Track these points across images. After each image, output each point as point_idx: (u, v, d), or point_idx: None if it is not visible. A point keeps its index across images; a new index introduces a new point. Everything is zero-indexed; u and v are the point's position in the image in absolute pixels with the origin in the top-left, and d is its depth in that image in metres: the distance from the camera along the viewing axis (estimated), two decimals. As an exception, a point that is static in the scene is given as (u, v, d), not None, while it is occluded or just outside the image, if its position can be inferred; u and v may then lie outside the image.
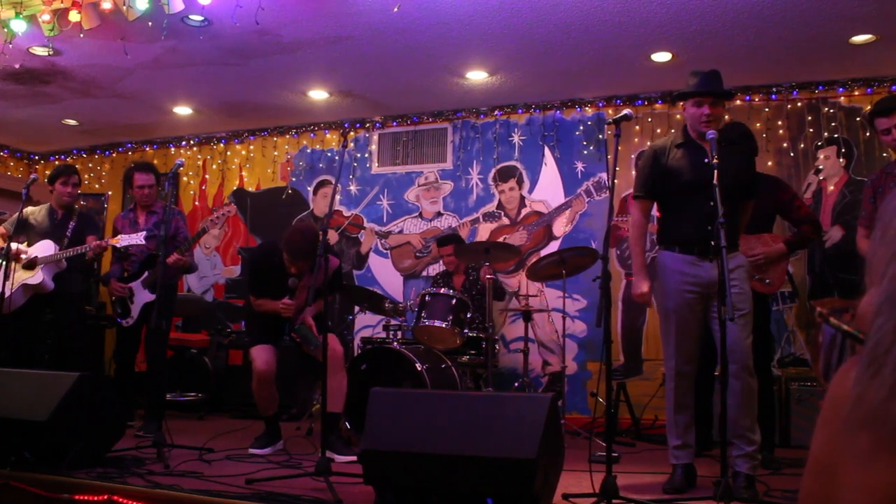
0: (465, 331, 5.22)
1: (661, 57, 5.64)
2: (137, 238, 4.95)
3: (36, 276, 5.30)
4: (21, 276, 5.30)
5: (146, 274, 5.35)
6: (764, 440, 3.95)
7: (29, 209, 5.61)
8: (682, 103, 3.82)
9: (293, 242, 4.50)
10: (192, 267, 5.67)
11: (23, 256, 5.30)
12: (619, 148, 3.67)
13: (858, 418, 0.49)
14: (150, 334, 5.24)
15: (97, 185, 8.52)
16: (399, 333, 5.48)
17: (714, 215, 3.35)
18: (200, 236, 5.47)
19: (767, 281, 4.53)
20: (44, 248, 5.38)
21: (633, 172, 6.51)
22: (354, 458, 4.32)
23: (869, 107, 5.85)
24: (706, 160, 3.64)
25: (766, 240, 4.52)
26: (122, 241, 4.99)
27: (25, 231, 5.51)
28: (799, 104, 6.12)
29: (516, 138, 6.92)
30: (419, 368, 4.74)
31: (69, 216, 5.57)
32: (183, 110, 7.23)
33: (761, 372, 4.08)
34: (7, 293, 4.84)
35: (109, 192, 8.43)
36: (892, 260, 0.53)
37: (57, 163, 8.69)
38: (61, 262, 5.37)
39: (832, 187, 5.94)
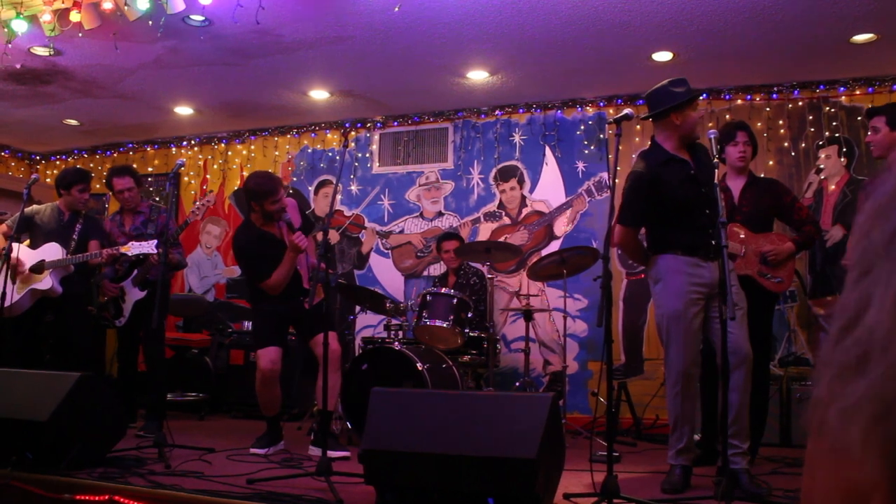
0: (466, 330, 5.22)
1: (663, 56, 5.64)
2: (149, 247, 4.92)
3: (45, 282, 5.27)
4: (28, 282, 5.28)
5: (135, 272, 5.36)
6: (756, 438, 4.02)
7: (34, 207, 5.59)
8: (675, 114, 3.78)
9: (265, 179, 4.76)
10: (181, 263, 5.67)
11: (21, 270, 5.26)
12: (620, 147, 3.67)
13: (812, 421, 0.50)
14: (148, 334, 5.24)
15: (97, 186, 8.50)
16: (400, 333, 5.47)
17: (712, 219, 3.44)
18: (183, 230, 5.50)
19: (778, 279, 4.54)
20: (51, 251, 5.33)
21: (634, 172, 6.51)
22: (346, 454, 4.35)
23: (870, 106, 5.87)
24: (692, 171, 3.74)
25: (772, 239, 4.53)
26: (133, 248, 4.97)
27: (30, 230, 5.49)
28: (800, 103, 6.12)
29: (517, 138, 6.92)
30: (420, 368, 4.74)
31: (76, 218, 5.55)
32: (184, 110, 7.23)
33: (760, 370, 4.10)
34: (8, 294, 4.84)
35: (110, 193, 8.41)
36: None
37: (58, 163, 8.71)
38: (69, 266, 5.35)
39: (833, 186, 5.94)
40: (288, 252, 4.65)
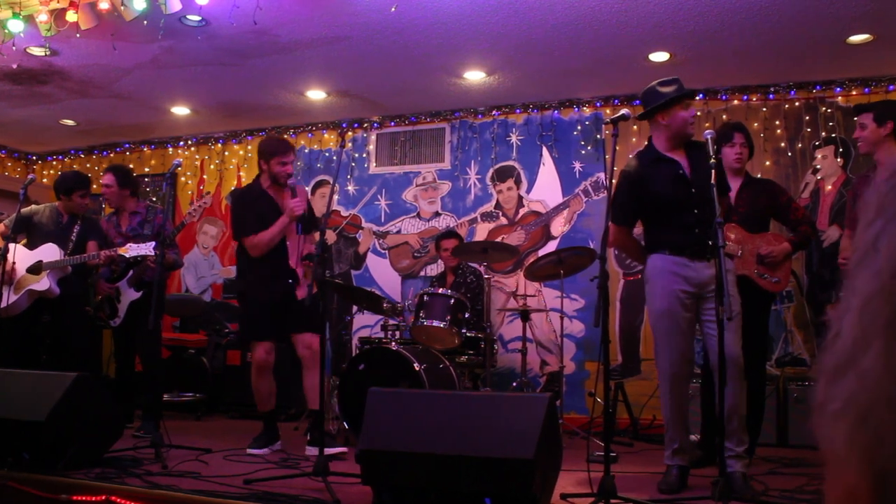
0: (464, 331, 5.22)
1: (659, 57, 5.64)
2: (146, 248, 4.91)
3: (42, 283, 5.25)
4: (26, 282, 5.27)
5: (131, 272, 5.35)
6: (752, 438, 4.02)
7: (33, 207, 5.58)
8: (661, 114, 3.79)
9: (276, 140, 5.05)
10: (177, 263, 5.65)
11: (16, 275, 5.24)
12: (617, 148, 3.67)
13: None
14: (145, 335, 5.23)
15: (94, 186, 8.49)
16: (397, 333, 5.48)
17: (701, 219, 3.44)
18: (180, 230, 5.50)
19: (775, 279, 4.56)
20: (49, 252, 5.30)
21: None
22: (343, 449, 4.40)
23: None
24: (680, 171, 3.73)
25: (769, 239, 4.54)
26: (131, 251, 4.96)
27: (28, 230, 5.47)
28: (796, 104, 6.13)
29: (514, 138, 6.92)
30: (417, 368, 4.74)
31: (75, 220, 5.52)
32: (181, 110, 7.23)
33: (756, 370, 4.10)
34: (4, 294, 4.82)
35: (107, 193, 8.41)
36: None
37: (55, 163, 8.70)
38: (66, 267, 5.34)
39: (830, 187, 5.95)
40: (283, 216, 4.65)
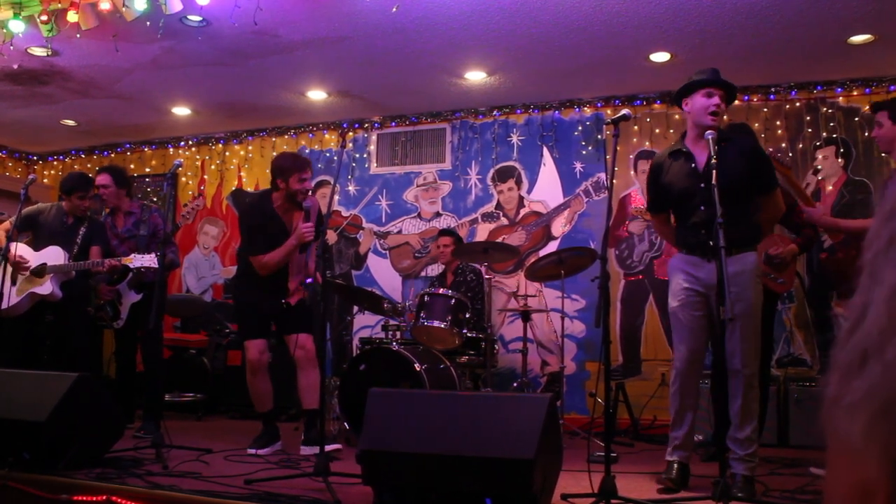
0: (464, 331, 5.22)
1: (660, 57, 5.65)
2: (150, 260, 4.90)
3: (45, 287, 5.22)
4: (29, 284, 5.25)
5: (130, 275, 5.35)
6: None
7: (38, 206, 5.57)
8: (685, 100, 3.78)
9: (294, 155, 4.96)
10: (174, 262, 5.62)
11: (25, 266, 5.24)
12: (618, 148, 3.67)
13: (824, 420, 0.51)
14: (146, 335, 5.23)
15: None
16: (398, 334, 5.47)
17: (710, 217, 3.40)
18: (173, 233, 5.50)
19: (781, 280, 4.57)
20: (53, 255, 5.27)
21: (632, 172, 6.53)
22: (338, 446, 4.46)
23: (867, 107, 5.88)
24: (693, 165, 3.69)
25: (775, 240, 4.54)
26: (136, 261, 4.95)
27: (33, 229, 5.46)
28: (797, 104, 6.12)
29: (515, 138, 6.92)
30: (418, 369, 4.74)
31: (80, 222, 5.49)
32: (181, 111, 7.23)
33: (761, 371, 4.09)
34: (6, 293, 4.82)
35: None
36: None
37: (56, 163, 8.70)
38: (70, 272, 5.33)
39: (830, 187, 5.94)
40: (291, 239, 4.63)
